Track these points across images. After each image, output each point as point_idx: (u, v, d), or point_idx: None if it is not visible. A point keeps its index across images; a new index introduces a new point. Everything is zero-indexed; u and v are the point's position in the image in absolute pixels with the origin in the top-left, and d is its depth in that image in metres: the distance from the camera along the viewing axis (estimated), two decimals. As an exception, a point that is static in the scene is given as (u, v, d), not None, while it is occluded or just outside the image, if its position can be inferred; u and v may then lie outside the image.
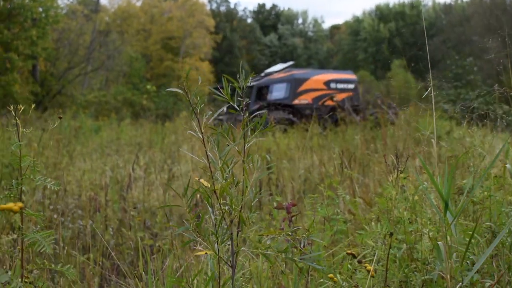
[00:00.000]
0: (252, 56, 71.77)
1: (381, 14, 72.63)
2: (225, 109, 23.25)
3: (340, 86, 26.74)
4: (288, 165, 9.91)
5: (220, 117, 25.16)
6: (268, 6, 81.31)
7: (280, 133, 15.93)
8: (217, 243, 2.42)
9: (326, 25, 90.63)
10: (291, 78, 25.79)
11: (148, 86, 38.51)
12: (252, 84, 24.66)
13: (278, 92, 25.66)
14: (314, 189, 7.79)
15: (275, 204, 3.79)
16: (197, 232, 2.39)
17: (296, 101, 25.33)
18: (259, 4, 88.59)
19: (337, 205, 3.84)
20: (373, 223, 3.16)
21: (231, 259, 2.45)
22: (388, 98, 17.09)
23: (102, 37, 45.21)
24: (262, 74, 27.87)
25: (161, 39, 55.72)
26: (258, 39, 73.39)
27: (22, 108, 2.35)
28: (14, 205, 1.85)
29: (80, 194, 8.39)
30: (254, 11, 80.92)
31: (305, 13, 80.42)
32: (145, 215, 7.03)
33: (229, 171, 2.38)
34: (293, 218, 3.35)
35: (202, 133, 2.44)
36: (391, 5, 74.40)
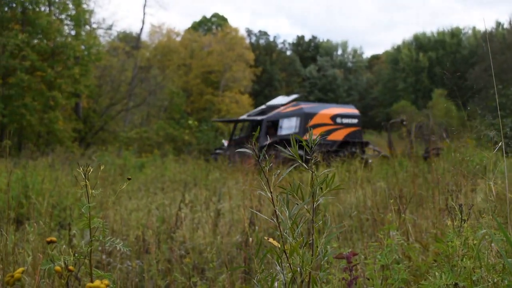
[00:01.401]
0: (291, 88, 71.85)
1: (420, 43, 72.34)
2: (225, 143, 23.30)
3: (345, 121, 26.45)
4: (333, 201, 9.82)
5: (218, 151, 25.11)
6: (307, 38, 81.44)
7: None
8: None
9: (366, 55, 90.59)
10: (301, 112, 25.36)
11: (190, 121, 38.69)
12: (261, 118, 24.69)
13: (288, 127, 25.29)
14: (362, 228, 7.69)
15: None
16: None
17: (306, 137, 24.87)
18: (298, 36, 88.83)
19: (395, 251, 3.77)
20: (436, 273, 3.08)
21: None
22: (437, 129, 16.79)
23: (143, 73, 45.67)
24: (263, 107, 27.70)
25: (201, 73, 56.10)
26: (298, 71, 73.52)
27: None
28: (101, 283, 1.83)
29: (128, 233, 8.41)
30: (293, 43, 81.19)
31: (344, 44, 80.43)
32: (194, 255, 6.99)
33: (298, 230, 2.34)
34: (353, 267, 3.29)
35: (271, 192, 2.41)
36: (429, 34, 74.08)
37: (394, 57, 73.04)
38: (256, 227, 7.40)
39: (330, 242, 4.13)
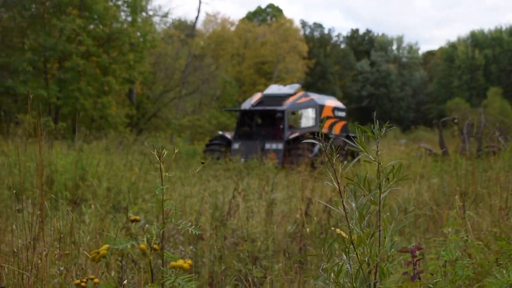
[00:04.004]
0: (344, 81, 71.54)
1: (477, 41, 71.31)
2: (226, 134, 21.02)
3: (340, 114, 25.68)
4: (388, 195, 9.75)
5: (215, 144, 22.61)
6: (361, 31, 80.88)
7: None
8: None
9: (421, 51, 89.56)
10: (315, 104, 24.14)
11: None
12: (282, 109, 22.94)
13: (306, 119, 24.11)
14: (415, 223, 7.64)
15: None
16: (336, 282, 2.34)
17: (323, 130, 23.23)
18: (352, 29, 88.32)
19: (459, 248, 3.73)
20: (504, 272, 3.05)
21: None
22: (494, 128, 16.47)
23: (197, 61, 45.84)
24: (259, 96, 25.28)
25: (255, 63, 56.14)
26: (351, 64, 73.10)
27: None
28: (184, 263, 1.84)
29: (182, 220, 8.45)
30: (347, 37, 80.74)
31: (400, 39, 79.64)
32: (247, 244, 7.01)
33: (365, 221, 2.33)
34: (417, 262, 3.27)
35: (338, 183, 2.40)
36: (486, 31, 73.00)
37: (449, 53, 72.16)
38: (314, 218, 7.39)
39: (392, 236, 4.12)
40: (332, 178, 2.46)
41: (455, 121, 20.21)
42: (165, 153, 2.33)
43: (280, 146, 20.73)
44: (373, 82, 72.30)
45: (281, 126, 22.73)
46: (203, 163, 2.59)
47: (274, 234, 7.30)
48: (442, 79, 71.71)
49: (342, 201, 2.42)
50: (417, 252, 3.32)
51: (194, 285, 1.93)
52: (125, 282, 2.20)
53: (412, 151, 18.32)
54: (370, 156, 2.46)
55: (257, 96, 25.09)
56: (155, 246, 1.98)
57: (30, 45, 31.76)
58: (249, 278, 5.56)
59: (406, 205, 8.20)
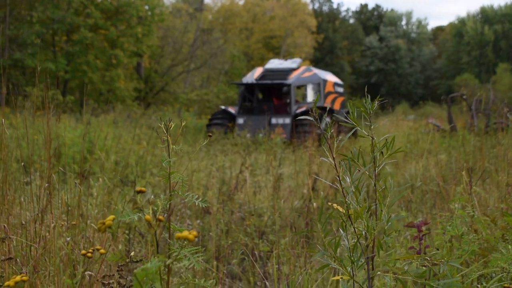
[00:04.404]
0: (352, 57, 71.32)
1: (486, 16, 70.85)
2: (230, 109, 20.38)
3: (339, 89, 25.38)
4: (393, 171, 9.77)
5: (217, 119, 22.05)
6: (370, 6, 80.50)
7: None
8: (353, 268, 2.39)
9: (430, 26, 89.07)
10: (319, 78, 23.67)
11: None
12: (289, 83, 22.54)
13: (311, 94, 23.58)
14: (422, 199, 7.64)
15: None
16: (334, 257, 2.36)
17: (326, 105, 23.21)
18: (361, 4, 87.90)
19: (465, 223, 3.74)
20: (509, 247, 3.06)
21: (367, 283, 2.41)
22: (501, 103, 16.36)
23: (205, 36, 45.76)
24: (260, 70, 24.87)
25: (263, 38, 55.98)
26: (360, 39, 72.83)
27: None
28: (189, 233, 1.85)
29: (189, 194, 8.47)
30: (356, 12, 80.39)
31: (409, 14, 79.20)
32: (253, 218, 7.03)
33: (361, 195, 2.34)
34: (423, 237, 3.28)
35: (334, 158, 2.42)
36: (496, 7, 72.52)
37: (458, 29, 71.74)
38: (321, 192, 7.41)
39: (398, 211, 4.13)
40: (328, 154, 2.47)
41: (464, 97, 20.11)
42: (172, 126, 2.34)
43: (288, 120, 20.49)
44: (382, 58, 72.05)
45: (288, 101, 22.60)
46: (210, 136, 2.59)
47: (281, 209, 7.32)
48: (451, 55, 71.38)
49: (338, 177, 2.43)
50: (424, 227, 3.33)
51: (200, 257, 1.94)
52: (132, 253, 2.22)
53: (420, 127, 18.27)
54: (364, 131, 2.46)
55: (258, 71, 24.73)
56: (160, 217, 1.99)
57: (38, 17, 31.73)
58: (256, 253, 5.58)
59: (414, 181, 8.20)
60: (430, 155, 11.32)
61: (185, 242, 1.94)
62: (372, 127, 2.45)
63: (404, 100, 59.77)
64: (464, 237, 3.42)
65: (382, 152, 2.40)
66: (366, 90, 2.55)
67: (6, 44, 31.20)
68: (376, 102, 2.46)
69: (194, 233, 1.87)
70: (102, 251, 2.14)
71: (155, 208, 2.09)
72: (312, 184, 7.86)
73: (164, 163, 2.26)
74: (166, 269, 2.16)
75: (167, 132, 2.30)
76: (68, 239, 3.40)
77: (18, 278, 2.00)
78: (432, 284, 2.31)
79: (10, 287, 1.93)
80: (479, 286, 3.22)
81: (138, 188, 2.08)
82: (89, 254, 2.11)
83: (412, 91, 71.77)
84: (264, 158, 11.91)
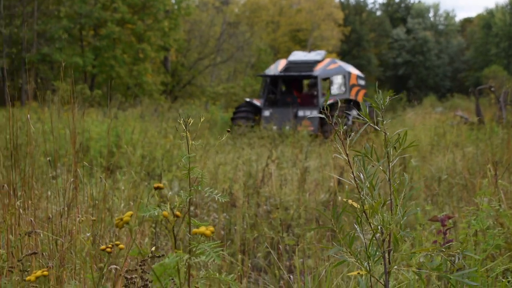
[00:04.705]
0: (380, 49, 70.94)
1: (515, 7, 70.08)
2: (255, 102, 19.93)
3: (361, 82, 24.75)
4: (422, 164, 9.72)
5: (242, 112, 21.60)
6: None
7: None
8: (369, 263, 2.38)
9: (458, 18, 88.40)
10: (344, 70, 23.23)
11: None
12: (315, 74, 22.27)
13: (337, 86, 22.96)
14: (449, 192, 7.60)
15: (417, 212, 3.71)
16: (349, 252, 2.36)
17: (351, 97, 22.93)
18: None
19: (491, 217, 3.72)
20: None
21: (384, 278, 2.41)
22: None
23: (231, 29, 45.79)
24: (283, 63, 24.13)
25: (289, 31, 55.87)
26: (387, 32, 72.43)
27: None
28: (206, 229, 1.86)
29: (215, 187, 8.50)
30: (383, 4, 79.95)
31: (436, 6, 78.61)
32: (280, 211, 7.03)
33: (376, 191, 2.34)
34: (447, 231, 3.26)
35: (347, 155, 2.41)
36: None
37: (487, 21, 71.03)
38: (347, 186, 7.39)
39: (424, 205, 4.11)
40: (341, 150, 2.47)
41: (492, 89, 19.92)
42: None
43: (315, 113, 20.31)
44: (409, 50, 71.55)
45: (315, 93, 22.45)
46: (229, 131, 2.59)
47: (307, 202, 7.31)
48: (479, 46, 70.69)
49: (352, 173, 2.43)
50: (449, 221, 3.31)
51: (220, 252, 1.95)
52: (153, 248, 2.23)
53: (447, 119, 18.16)
54: (376, 126, 2.45)
55: (282, 63, 24.32)
56: (177, 213, 2.00)
57: (66, 12, 31.97)
58: (281, 246, 5.59)
59: (440, 174, 8.15)
60: (457, 148, 11.25)
61: (203, 238, 1.96)
62: (385, 122, 2.43)
63: (431, 93, 59.28)
64: (489, 231, 3.40)
65: (395, 147, 2.39)
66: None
67: (34, 39, 31.47)
68: (388, 98, 2.44)
69: (211, 228, 1.88)
70: (121, 246, 2.15)
71: (175, 204, 2.10)
72: (338, 177, 7.85)
73: (183, 159, 2.26)
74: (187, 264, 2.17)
75: (185, 127, 2.31)
76: (88, 234, 3.42)
77: (39, 273, 2.02)
78: (450, 276, 2.30)
79: (31, 282, 1.96)
80: (503, 280, 3.20)
81: (155, 184, 2.09)
82: (108, 249, 2.12)
83: (440, 84, 71.25)
84: (291, 151, 11.90)
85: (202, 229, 1.87)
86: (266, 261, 5.77)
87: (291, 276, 4.16)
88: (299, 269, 4.32)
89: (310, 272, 4.67)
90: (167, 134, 13.37)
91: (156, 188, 2.10)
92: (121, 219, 1.97)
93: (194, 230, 1.89)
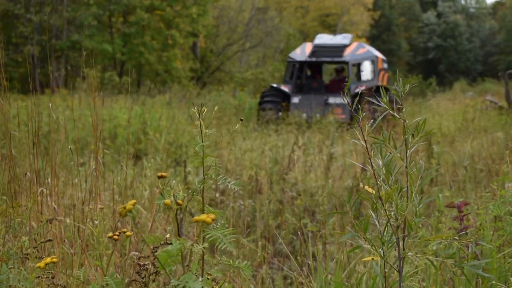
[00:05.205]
0: (409, 33, 70.44)
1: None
2: (283, 87, 19.27)
3: (385, 66, 23.65)
4: (448, 150, 9.69)
5: (270, 98, 20.48)
6: (428, -18, 79.26)
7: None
8: (383, 249, 2.41)
9: (489, 1, 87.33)
10: (373, 55, 22.27)
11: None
12: (346, 60, 21.41)
13: (366, 72, 21.99)
14: (475, 179, 7.57)
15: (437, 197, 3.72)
16: (364, 238, 2.40)
17: (380, 83, 21.80)
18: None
19: (509, 203, 3.71)
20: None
21: (398, 264, 2.44)
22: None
23: (260, 14, 45.70)
24: (309, 47, 23.08)
25: (318, 16, 55.63)
26: (417, 16, 71.88)
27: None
28: (207, 217, 1.90)
29: (241, 173, 8.56)
30: (413, -12, 79.31)
31: (467, -11, 77.87)
32: (305, 198, 7.06)
33: (393, 177, 2.36)
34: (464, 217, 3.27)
35: (365, 141, 2.44)
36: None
37: (519, 3, 70.29)
38: (368, 173, 7.39)
39: (442, 190, 4.11)
40: (359, 137, 2.50)
41: (523, 73, 19.66)
42: (205, 110, 2.38)
43: (347, 100, 19.64)
44: (440, 34, 70.94)
45: (346, 79, 21.89)
46: (242, 120, 2.62)
47: (331, 188, 7.34)
48: (511, 30, 69.93)
49: (370, 159, 2.46)
50: (466, 207, 3.32)
51: (232, 239, 1.99)
52: (167, 235, 2.28)
53: (476, 104, 18.02)
54: (395, 114, 2.47)
55: (308, 47, 23.20)
56: (179, 201, 2.05)
57: (95, -1, 32.13)
58: (304, 232, 5.62)
59: (464, 161, 8.12)
60: (486, 133, 11.19)
61: (210, 225, 2.00)
62: (404, 110, 2.45)
63: (462, 77, 58.85)
64: (507, 218, 3.40)
65: (412, 135, 2.41)
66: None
67: (64, 26, 31.69)
68: (409, 85, 2.45)
69: (212, 216, 1.91)
70: (128, 233, 2.21)
71: (177, 193, 2.14)
72: (359, 165, 7.85)
73: (197, 147, 2.30)
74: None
75: (199, 116, 2.34)
76: (96, 222, 3.48)
77: (48, 260, 2.08)
78: (463, 266, 2.32)
79: (40, 269, 2.01)
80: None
81: (159, 173, 2.14)
82: (115, 237, 2.18)
83: (471, 68, 70.61)
84: (318, 137, 11.90)
85: (203, 217, 1.92)
86: (289, 247, 5.81)
87: (314, 262, 4.19)
88: (320, 255, 4.35)
89: (332, 258, 4.70)
90: (192, 121, 13.42)
91: (160, 177, 2.15)
92: (124, 208, 2.02)
93: (195, 218, 1.94)
